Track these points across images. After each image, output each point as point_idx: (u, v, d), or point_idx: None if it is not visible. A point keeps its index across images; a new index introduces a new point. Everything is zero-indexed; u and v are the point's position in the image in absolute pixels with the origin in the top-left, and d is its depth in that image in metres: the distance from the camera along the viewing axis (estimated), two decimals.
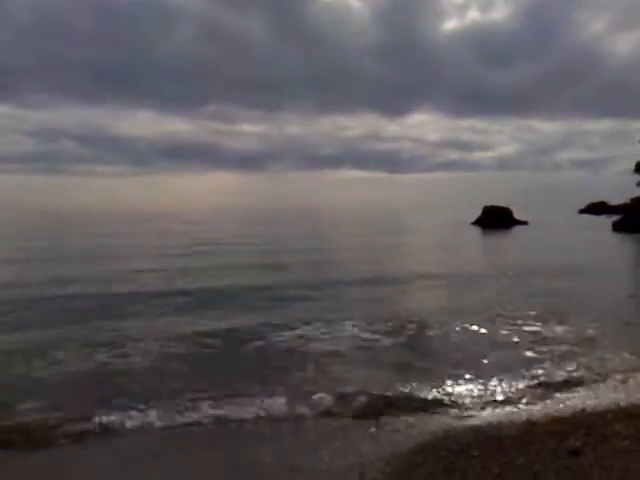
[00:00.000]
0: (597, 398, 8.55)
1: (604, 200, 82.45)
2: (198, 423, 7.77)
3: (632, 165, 58.48)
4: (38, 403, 8.42)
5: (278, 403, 8.38)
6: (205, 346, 11.81)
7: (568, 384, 9.24)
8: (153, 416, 7.93)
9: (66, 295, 17.32)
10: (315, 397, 8.64)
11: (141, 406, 8.29)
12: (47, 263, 24.83)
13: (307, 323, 13.56)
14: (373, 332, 12.83)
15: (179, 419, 7.85)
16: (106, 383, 9.55)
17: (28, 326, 13.45)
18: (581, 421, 7.38)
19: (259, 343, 11.99)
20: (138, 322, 13.97)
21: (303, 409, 8.21)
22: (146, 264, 25.08)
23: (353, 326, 13.30)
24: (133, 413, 8.00)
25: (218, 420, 7.85)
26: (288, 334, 12.63)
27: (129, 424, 7.70)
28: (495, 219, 55.36)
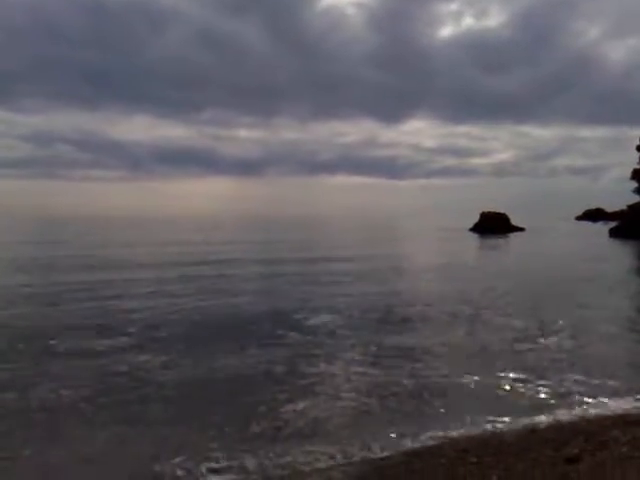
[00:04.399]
0: (595, 405, 8.55)
1: (601, 207, 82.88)
2: None
3: (629, 172, 58.73)
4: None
5: None
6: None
7: (562, 390, 9.24)
8: None
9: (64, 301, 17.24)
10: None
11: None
12: (43, 270, 24.73)
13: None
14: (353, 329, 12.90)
15: None
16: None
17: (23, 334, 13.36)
18: (579, 428, 7.37)
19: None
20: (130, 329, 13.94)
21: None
22: (143, 271, 25.04)
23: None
24: None
25: None
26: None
27: None
28: (492, 225, 55.56)
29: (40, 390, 8.96)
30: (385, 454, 6.87)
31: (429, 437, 7.34)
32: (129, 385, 9.33)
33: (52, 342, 11.93)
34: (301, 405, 8.51)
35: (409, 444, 7.15)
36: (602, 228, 59.17)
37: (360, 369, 10.34)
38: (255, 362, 10.67)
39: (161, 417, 8.07)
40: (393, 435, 7.42)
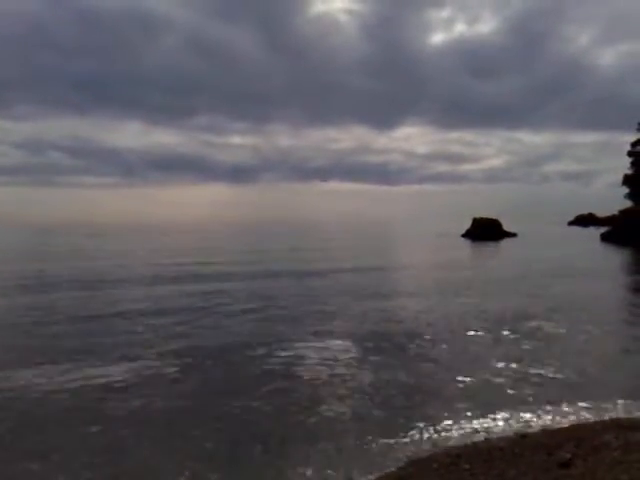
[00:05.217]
0: (587, 409, 8.57)
1: (593, 212, 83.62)
2: None
3: (620, 177, 59.24)
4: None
5: None
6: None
7: (553, 394, 9.25)
8: None
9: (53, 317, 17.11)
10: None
11: None
12: (31, 286, 24.43)
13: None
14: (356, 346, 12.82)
15: None
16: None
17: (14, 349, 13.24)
18: (571, 433, 7.38)
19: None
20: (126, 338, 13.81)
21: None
22: (136, 287, 24.87)
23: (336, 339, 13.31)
24: None
25: None
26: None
27: None
28: (484, 231, 55.87)
29: (32, 410, 8.78)
30: (379, 462, 6.85)
31: (422, 444, 7.33)
32: (122, 414, 8.71)
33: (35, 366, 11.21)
34: (295, 420, 8.44)
35: (402, 451, 7.12)
36: (594, 233, 59.54)
37: (352, 387, 10.31)
38: (250, 390, 10.29)
39: (156, 443, 7.74)
40: (387, 443, 7.40)
